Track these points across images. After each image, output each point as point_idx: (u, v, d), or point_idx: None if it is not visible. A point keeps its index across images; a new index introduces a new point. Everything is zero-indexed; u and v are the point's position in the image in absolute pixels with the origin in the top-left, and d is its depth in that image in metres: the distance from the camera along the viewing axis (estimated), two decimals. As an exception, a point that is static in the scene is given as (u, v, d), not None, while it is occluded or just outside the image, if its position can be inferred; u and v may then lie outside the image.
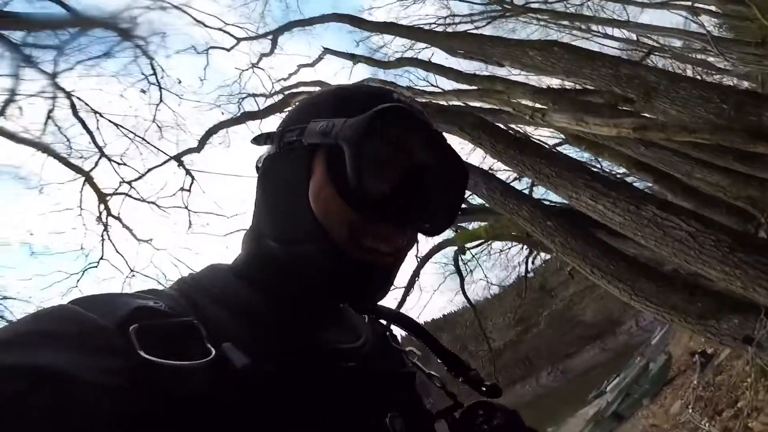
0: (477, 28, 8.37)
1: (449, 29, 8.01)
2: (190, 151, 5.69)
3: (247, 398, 0.34)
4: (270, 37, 6.51)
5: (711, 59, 10.39)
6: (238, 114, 5.91)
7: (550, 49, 5.22)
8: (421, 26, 7.83)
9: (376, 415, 0.42)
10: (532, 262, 8.67)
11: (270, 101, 6.33)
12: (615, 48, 10.63)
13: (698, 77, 11.17)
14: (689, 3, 8.94)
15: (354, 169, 0.40)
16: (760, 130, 3.25)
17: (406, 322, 0.56)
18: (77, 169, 5.02)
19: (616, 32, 10.15)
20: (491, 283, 9.06)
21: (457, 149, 0.48)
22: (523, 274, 8.84)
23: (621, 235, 4.43)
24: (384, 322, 0.56)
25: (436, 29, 7.88)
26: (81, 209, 5.23)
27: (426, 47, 6.02)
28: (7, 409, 0.25)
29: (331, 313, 0.48)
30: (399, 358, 0.54)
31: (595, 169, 7.40)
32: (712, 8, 9.30)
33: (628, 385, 9.61)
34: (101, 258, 5.41)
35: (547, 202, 6.20)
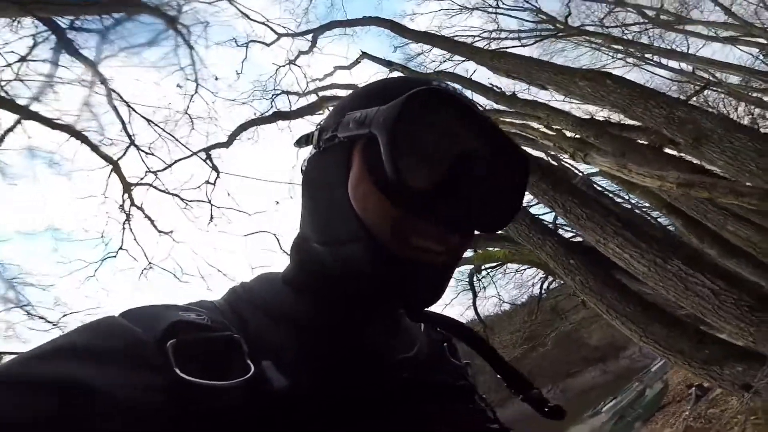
0: (524, 46, 8.15)
1: (494, 44, 7.82)
2: (218, 145, 5.70)
3: (284, 419, 0.32)
4: (310, 35, 6.48)
5: (768, 99, 9.87)
6: (270, 112, 5.91)
7: (601, 80, 5.02)
8: (465, 38, 7.65)
9: (431, 428, 0.40)
10: (548, 286, 8.55)
11: (303, 101, 6.32)
12: (666, 78, 10.20)
13: (751, 116, 10.62)
14: (763, 41, 8.46)
15: (389, 157, 0.35)
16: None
17: (462, 332, 0.51)
18: (106, 158, 5.06)
19: (671, 62, 9.73)
20: (503, 301, 8.98)
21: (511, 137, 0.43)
22: (536, 295, 8.77)
23: (639, 280, 4.42)
24: (441, 331, 0.52)
25: (481, 42, 7.70)
26: (105, 197, 5.29)
27: (466, 60, 5.88)
28: (37, 422, 0.25)
29: (384, 319, 0.45)
30: (457, 371, 0.51)
31: (621, 203, 7.16)
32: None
33: (623, 408, 9.68)
34: (120, 248, 5.45)
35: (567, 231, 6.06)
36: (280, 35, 6.60)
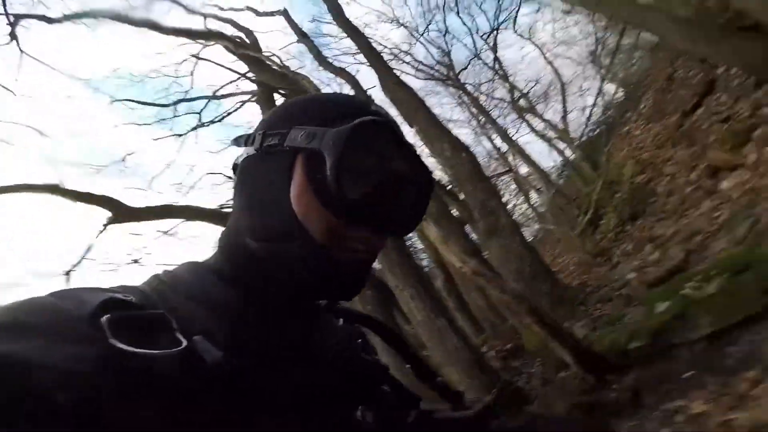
0: (417, 77, 8.72)
1: (395, 63, 8.07)
2: (39, 17, 4.20)
3: (217, 391, 0.34)
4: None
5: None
6: (141, 15, 4.59)
7: (459, 152, 5.72)
8: (376, 44, 7.63)
9: (347, 408, 0.44)
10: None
11: (185, 21, 5.11)
12: (486, 149, 12.37)
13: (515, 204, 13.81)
14: (564, 148, 10.89)
15: (334, 176, 0.41)
16: (534, 311, 4.17)
17: (376, 326, 0.58)
18: None
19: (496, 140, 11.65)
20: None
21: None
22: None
23: (408, 320, 5.42)
24: (356, 325, 0.58)
25: (386, 56, 7.72)
26: None
27: (368, 65, 5.89)
28: None
29: (307, 311, 0.49)
30: (371, 360, 0.55)
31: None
32: (571, 157, 11.61)
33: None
34: None
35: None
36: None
